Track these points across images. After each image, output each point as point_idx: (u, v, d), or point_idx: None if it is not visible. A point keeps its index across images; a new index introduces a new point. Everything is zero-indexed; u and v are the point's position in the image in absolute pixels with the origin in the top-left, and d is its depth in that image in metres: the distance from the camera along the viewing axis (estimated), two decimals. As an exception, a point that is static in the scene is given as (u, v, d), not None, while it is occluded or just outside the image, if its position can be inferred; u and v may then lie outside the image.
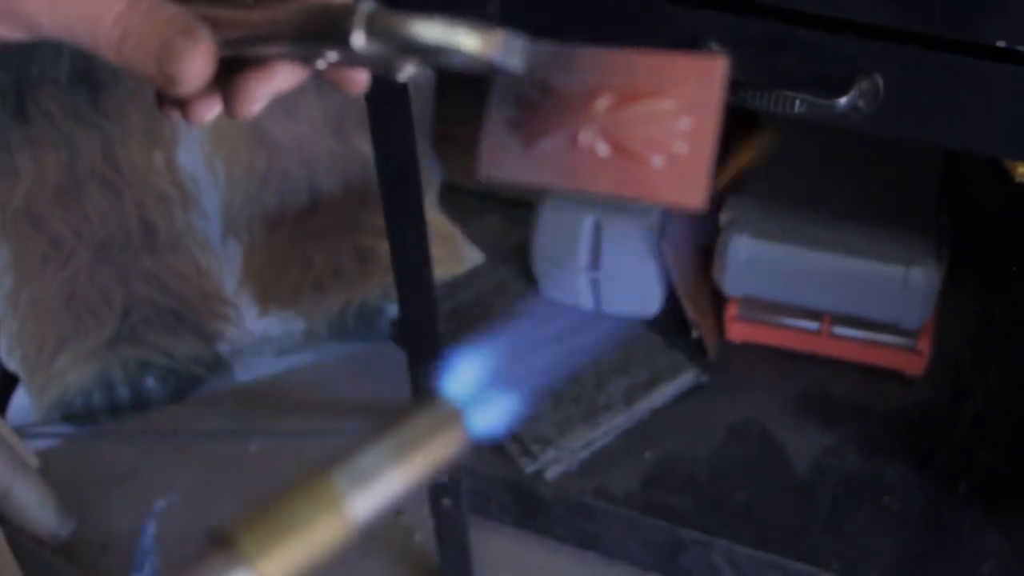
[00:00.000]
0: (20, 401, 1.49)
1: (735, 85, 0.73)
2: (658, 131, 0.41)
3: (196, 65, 0.43)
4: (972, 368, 1.18)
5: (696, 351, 1.20)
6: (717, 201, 1.17)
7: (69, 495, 1.38)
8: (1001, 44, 0.67)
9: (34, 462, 1.41)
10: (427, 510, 1.19)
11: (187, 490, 1.41)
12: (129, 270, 1.50)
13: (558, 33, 0.44)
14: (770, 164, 1.20)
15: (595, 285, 1.22)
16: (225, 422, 1.49)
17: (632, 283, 1.21)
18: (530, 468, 1.11)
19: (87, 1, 0.43)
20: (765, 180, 1.19)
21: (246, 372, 1.54)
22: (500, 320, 0.41)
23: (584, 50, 0.43)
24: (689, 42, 0.74)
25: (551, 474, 1.11)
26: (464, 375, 0.40)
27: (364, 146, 1.52)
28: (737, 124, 1.13)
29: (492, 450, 1.14)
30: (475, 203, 1.47)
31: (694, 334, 1.20)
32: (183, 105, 0.46)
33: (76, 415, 1.48)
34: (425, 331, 1.06)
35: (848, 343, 1.17)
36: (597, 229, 1.18)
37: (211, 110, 0.46)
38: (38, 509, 1.34)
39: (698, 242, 1.22)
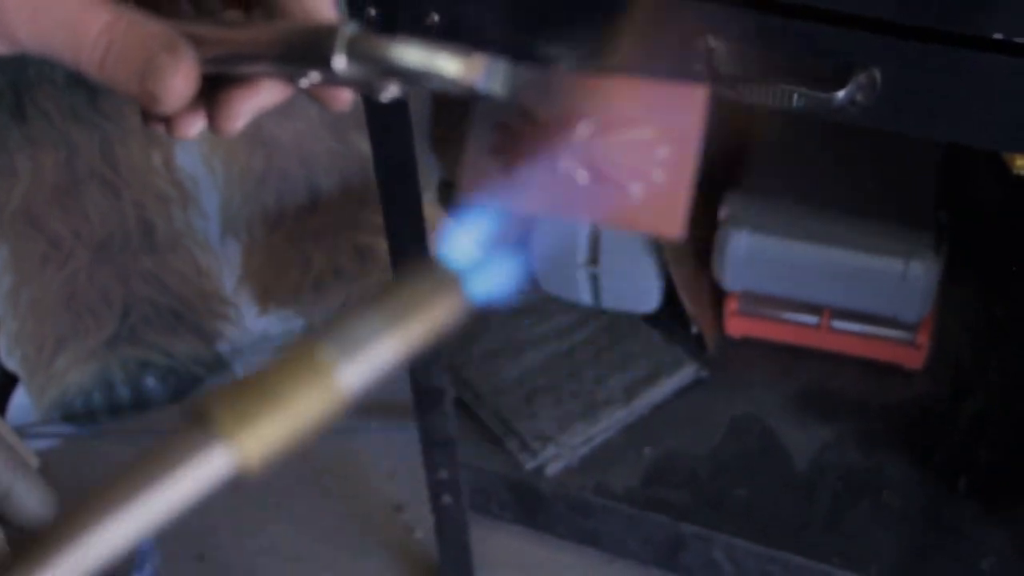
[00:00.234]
0: (20, 401, 1.49)
1: (734, 79, 0.74)
2: (638, 159, 0.41)
3: (178, 83, 0.43)
4: (972, 364, 1.18)
5: (695, 346, 1.20)
6: (716, 196, 1.17)
7: (69, 495, 1.38)
8: (998, 36, 0.67)
9: (34, 462, 1.41)
10: (427, 507, 1.19)
11: (187, 489, 1.41)
12: (128, 270, 1.50)
13: (559, 24, 0.44)
14: (769, 159, 1.20)
15: (594, 280, 1.22)
16: (225, 421, 1.49)
17: (631, 278, 1.21)
18: (530, 464, 1.11)
19: (69, 16, 0.43)
20: (764, 175, 1.18)
21: (246, 371, 1.54)
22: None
23: (566, 75, 0.43)
24: (687, 36, 0.74)
25: (551, 470, 1.11)
26: (463, 240, 0.39)
27: (363, 145, 1.52)
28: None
29: (492, 447, 1.14)
30: (474, 201, 1.47)
31: (693, 329, 1.20)
32: (167, 120, 0.46)
33: (76, 415, 1.48)
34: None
35: (847, 337, 1.17)
36: (596, 224, 1.18)
37: (195, 126, 0.46)
38: (38, 509, 1.34)
39: (697, 237, 1.22)
